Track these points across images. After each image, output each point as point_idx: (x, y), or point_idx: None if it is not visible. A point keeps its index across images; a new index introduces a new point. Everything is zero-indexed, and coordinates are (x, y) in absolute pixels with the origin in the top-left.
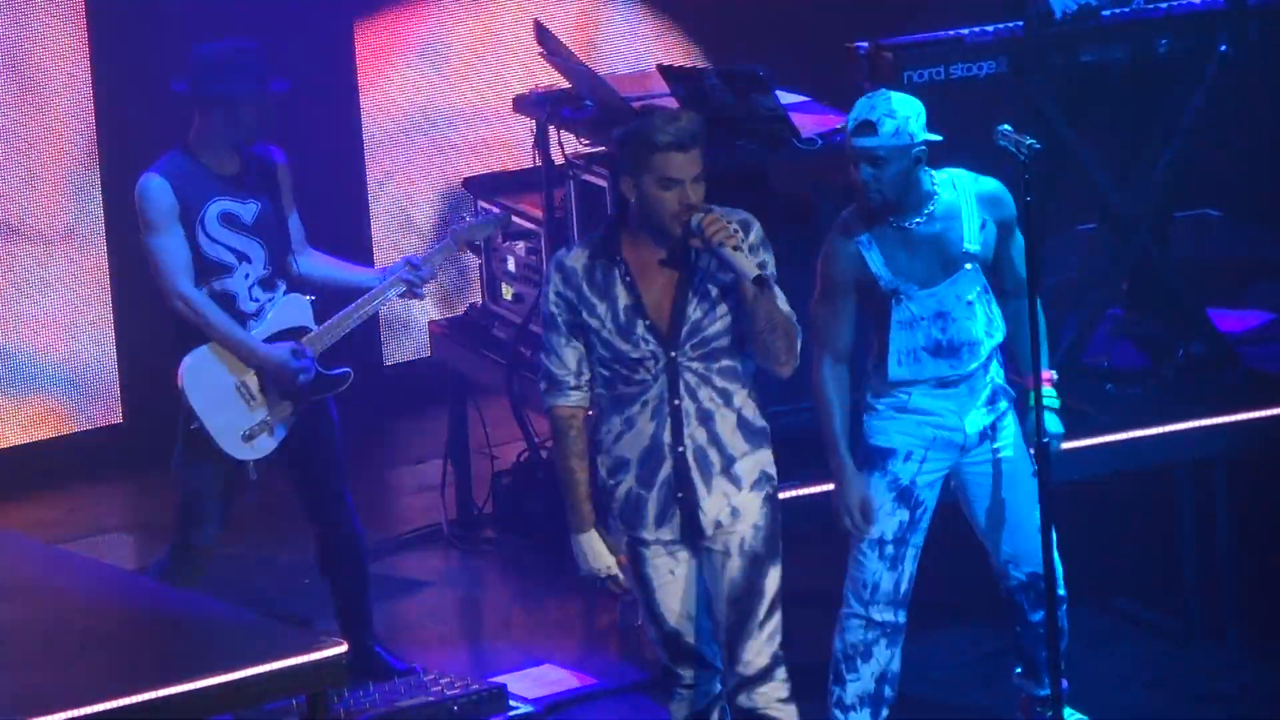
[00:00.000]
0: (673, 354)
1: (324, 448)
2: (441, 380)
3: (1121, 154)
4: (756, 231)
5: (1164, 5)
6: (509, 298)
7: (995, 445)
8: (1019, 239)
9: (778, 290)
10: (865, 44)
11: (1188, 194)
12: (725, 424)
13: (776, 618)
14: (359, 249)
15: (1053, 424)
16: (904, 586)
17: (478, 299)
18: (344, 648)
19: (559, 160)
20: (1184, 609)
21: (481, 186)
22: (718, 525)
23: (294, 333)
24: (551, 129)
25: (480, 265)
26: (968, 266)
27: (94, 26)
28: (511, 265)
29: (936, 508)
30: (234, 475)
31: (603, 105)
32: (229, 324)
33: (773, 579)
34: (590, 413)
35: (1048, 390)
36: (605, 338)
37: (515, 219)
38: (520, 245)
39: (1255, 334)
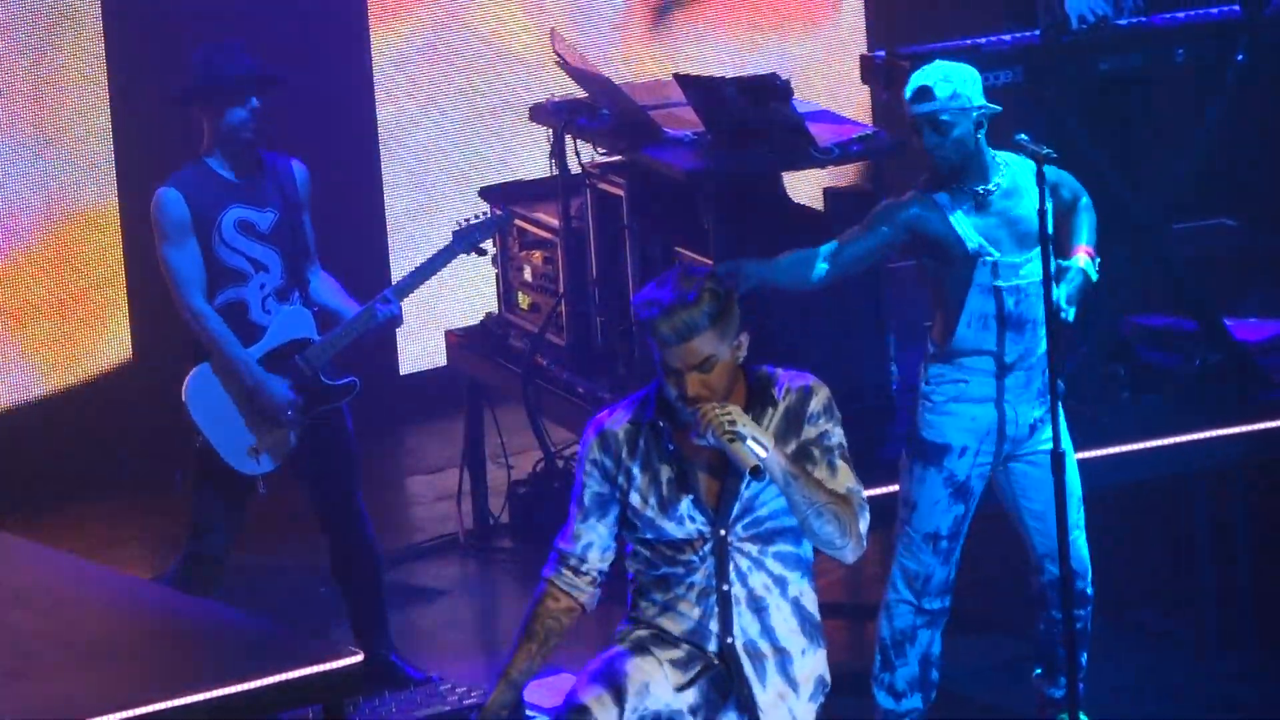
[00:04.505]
0: (722, 533)
1: (338, 455)
2: (458, 389)
3: (1138, 162)
4: (820, 400)
5: (1181, 15)
6: (525, 307)
7: (1044, 439)
8: (1081, 215)
9: (841, 464)
10: (882, 52)
11: (1205, 203)
12: (779, 615)
13: None
14: (374, 256)
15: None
16: (952, 575)
17: (494, 308)
18: (360, 657)
19: (575, 169)
20: (1201, 619)
21: (497, 195)
22: None
23: (297, 344)
24: (568, 138)
25: (497, 275)
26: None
27: (110, 32)
28: (528, 275)
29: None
30: (242, 487)
31: (619, 114)
32: (231, 342)
33: None
34: (584, 608)
35: (1088, 262)
36: (648, 516)
37: (531, 228)
38: (537, 255)
39: (1272, 343)
